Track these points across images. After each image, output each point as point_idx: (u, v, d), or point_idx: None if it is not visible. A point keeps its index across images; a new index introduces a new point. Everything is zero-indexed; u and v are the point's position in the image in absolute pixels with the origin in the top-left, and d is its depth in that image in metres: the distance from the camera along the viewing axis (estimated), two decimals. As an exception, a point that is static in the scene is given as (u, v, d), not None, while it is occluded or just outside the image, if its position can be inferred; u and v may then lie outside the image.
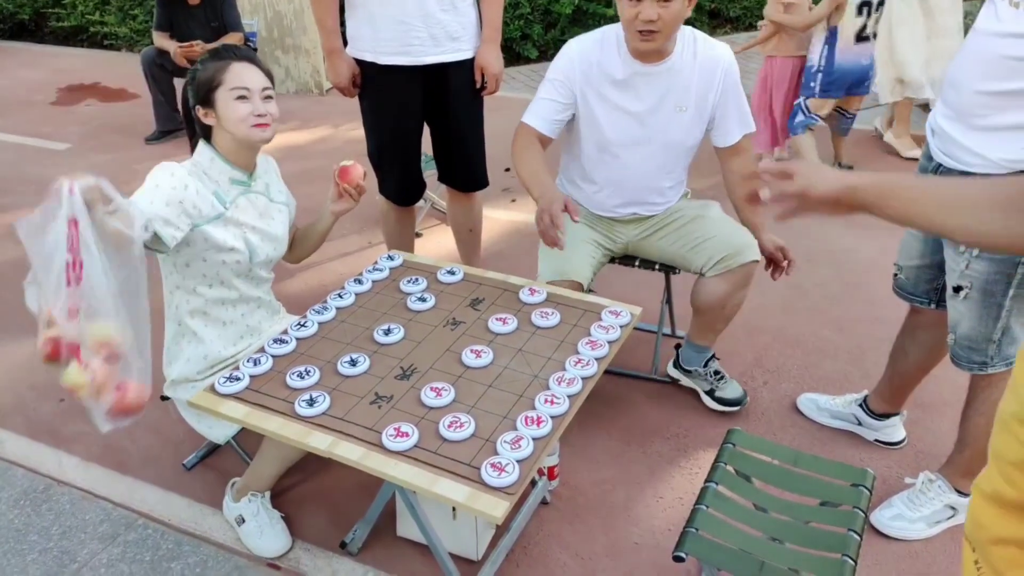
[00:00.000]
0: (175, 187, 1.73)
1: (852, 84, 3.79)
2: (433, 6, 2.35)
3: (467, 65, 2.49)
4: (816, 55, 3.74)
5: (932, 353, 2.06)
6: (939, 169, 1.68)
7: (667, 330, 2.67)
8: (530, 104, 2.20)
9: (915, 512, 1.93)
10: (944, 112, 1.66)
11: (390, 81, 2.46)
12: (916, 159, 4.13)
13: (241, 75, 1.80)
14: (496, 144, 2.86)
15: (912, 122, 4.39)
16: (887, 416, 2.22)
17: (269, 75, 1.87)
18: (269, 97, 1.85)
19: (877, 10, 3.70)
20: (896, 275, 2.00)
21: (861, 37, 3.70)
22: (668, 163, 2.22)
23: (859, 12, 3.64)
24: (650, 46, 2.00)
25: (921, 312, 2.00)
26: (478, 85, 2.53)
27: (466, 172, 2.70)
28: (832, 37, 3.67)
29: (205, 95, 1.81)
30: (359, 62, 2.48)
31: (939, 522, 1.94)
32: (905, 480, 2.04)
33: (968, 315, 1.71)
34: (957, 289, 1.70)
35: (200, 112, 1.84)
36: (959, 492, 1.92)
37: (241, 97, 1.79)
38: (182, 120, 1.89)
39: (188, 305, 1.91)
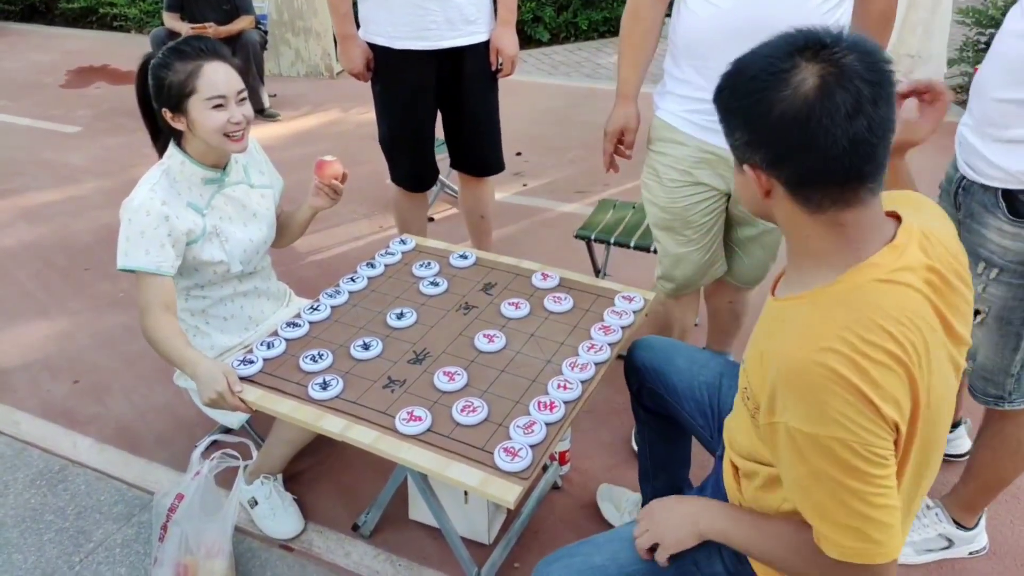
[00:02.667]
0: (157, 226, 1.72)
1: None
2: None
3: (482, 48, 2.46)
4: None
5: None
6: (962, 181, 1.57)
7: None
8: None
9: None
10: (967, 121, 1.55)
11: (404, 66, 2.43)
12: None
13: (215, 82, 1.71)
14: (508, 127, 2.84)
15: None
16: (954, 426, 2.07)
17: (239, 70, 1.79)
18: (244, 99, 1.77)
19: None
20: None
21: None
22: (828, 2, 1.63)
23: None
24: None
25: None
26: (494, 67, 2.51)
27: (480, 157, 2.68)
28: None
29: (176, 102, 1.73)
30: (372, 46, 2.45)
31: (930, 551, 1.83)
32: None
33: (985, 343, 1.59)
34: (975, 313, 1.56)
35: (167, 115, 1.75)
36: (958, 524, 1.82)
37: (217, 106, 1.72)
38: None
39: (185, 304, 1.92)
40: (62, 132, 4.83)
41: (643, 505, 1.83)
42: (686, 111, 1.82)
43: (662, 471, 1.77)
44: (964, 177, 1.56)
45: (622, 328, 1.74)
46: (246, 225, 1.92)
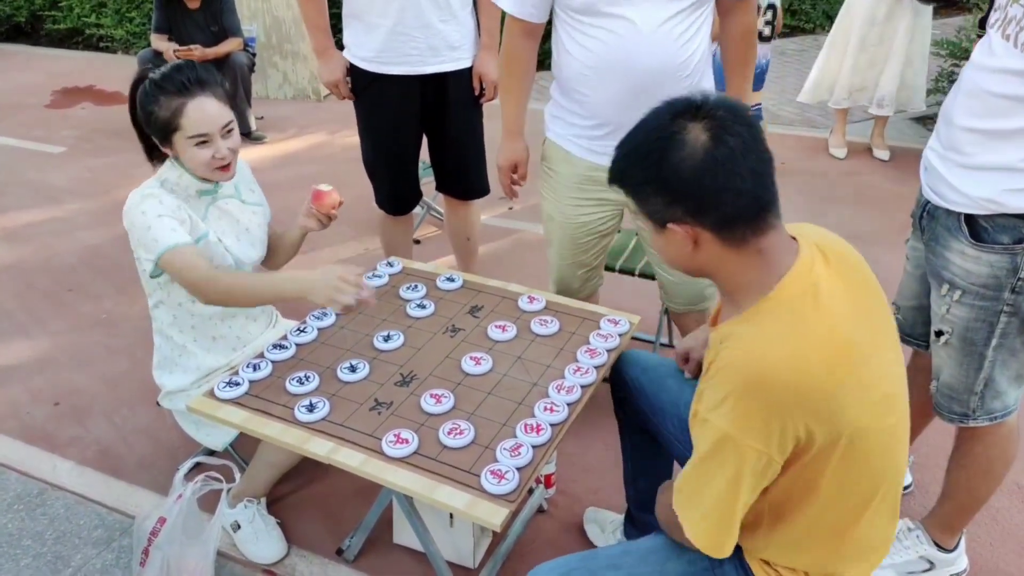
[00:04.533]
0: (174, 210, 1.75)
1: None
2: (432, 17, 2.35)
3: (466, 74, 2.49)
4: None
5: (929, 401, 2.00)
6: (927, 206, 1.61)
7: (665, 340, 2.68)
8: None
9: (886, 559, 1.84)
10: (934, 147, 1.59)
11: (387, 90, 2.44)
12: (842, 159, 4.44)
13: (199, 119, 1.71)
14: (493, 151, 2.86)
15: (885, 132, 4.50)
16: None
17: (228, 96, 1.80)
18: (231, 131, 1.78)
19: (766, 12, 3.83)
20: (895, 315, 1.91)
21: (761, 38, 3.93)
22: (684, 35, 1.76)
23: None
24: None
25: (920, 355, 1.92)
26: (477, 92, 2.54)
27: (465, 180, 2.70)
28: None
29: (162, 135, 1.75)
30: (356, 69, 2.47)
31: (911, 573, 1.85)
32: None
33: (949, 362, 1.62)
34: (939, 334, 1.61)
35: (156, 140, 1.79)
36: (939, 547, 1.84)
37: (202, 143, 1.74)
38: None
39: (174, 320, 1.91)
40: (46, 152, 4.81)
41: (627, 512, 1.88)
42: (573, 135, 1.98)
43: (643, 476, 1.78)
44: (928, 202, 1.61)
45: (608, 351, 1.75)
46: (239, 239, 1.93)
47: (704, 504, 1.16)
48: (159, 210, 1.74)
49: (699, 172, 1.08)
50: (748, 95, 2.03)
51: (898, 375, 1.20)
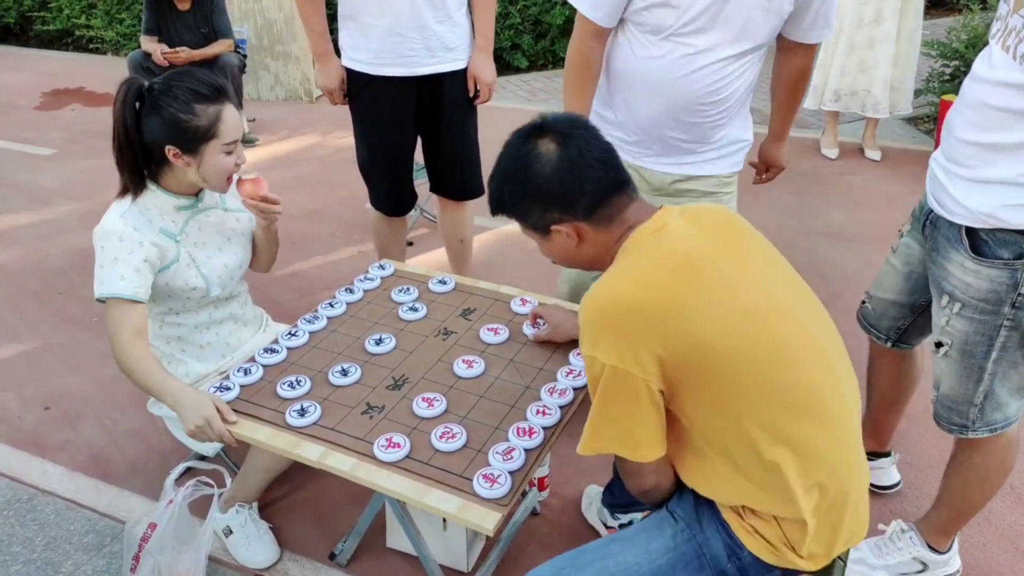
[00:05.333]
0: (132, 251, 1.69)
1: None
2: (428, 18, 2.35)
3: (462, 75, 2.49)
4: None
5: (896, 389, 1.99)
6: (930, 214, 1.61)
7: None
8: None
9: (879, 560, 1.85)
10: (938, 157, 1.59)
11: (383, 92, 2.44)
12: (833, 159, 4.44)
13: (233, 127, 1.72)
14: (487, 153, 2.86)
15: (876, 133, 4.54)
16: (875, 456, 2.08)
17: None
18: (244, 140, 1.81)
19: None
20: (864, 303, 1.93)
21: None
22: (729, 72, 1.85)
23: None
24: None
25: (875, 346, 1.94)
26: (471, 94, 2.54)
27: (460, 181, 2.69)
28: None
29: (194, 144, 1.69)
30: (352, 72, 2.47)
31: (904, 574, 1.85)
32: (879, 527, 1.91)
33: (949, 374, 1.60)
34: (939, 345, 1.60)
35: (171, 152, 1.69)
36: (932, 548, 1.83)
37: (229, 152, 1.73)
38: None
39: (160, 331, 1.90)
40: (36, 154, 4.78)
41: (608, 486, 1.90)
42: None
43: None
44: (931, 211, 1.60)
45: (600, 353, 1.75)
46: (221, 250, 1.90)
47: (614, 429, 1.26)
48: (116, 250, 1.68)
49: (560, 174, 1.27)
50: (787, 136, 2.14)
51: (786, 305, 1.24)
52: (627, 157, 1.96)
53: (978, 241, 1.47)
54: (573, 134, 1.29)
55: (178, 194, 1.80)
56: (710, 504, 1.30)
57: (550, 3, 6.59)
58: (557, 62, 6.84)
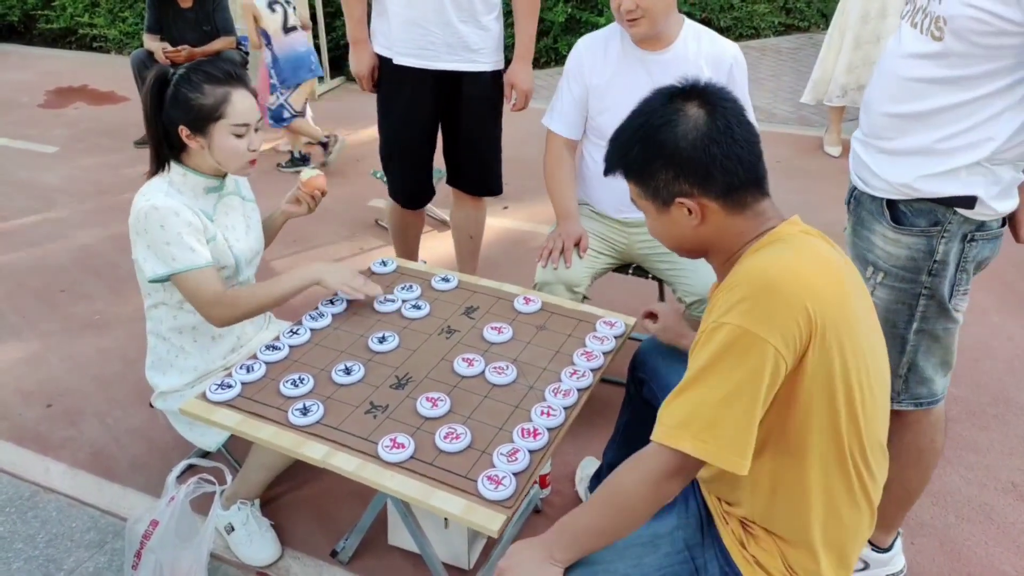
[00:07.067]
0: (190, 222, 1.76)
1: (300, 69, 4.27)
2: (452, 16, 2.37)
3: (485, 77, 2.51)
4: (266, 57, 4.22)
5: None
6: (854, 192, 1.67)
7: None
8: (551, 104, 2.30)
9: None
10: (858, 135, 1.66)
11: (403, 80, 2.48)
12: (836, 157, 4.45)
13: (242, 109, 1.76)
14: (510, 150, 2.85)
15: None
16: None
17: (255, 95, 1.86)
18: (259, 128, 1.83)
19: (289, 2, 4.18)
20: None
21: (288, 28, 4.18)
22: None
23: (271, 10, 4.12)
24: (636, 31, 2.06)
25: None
26: (509, 100, 2.58)
27: (476, 175, 2.71)
28: (267, 38, 4.16)
29: (201, 124, 1.75)
30: (380, 58, 2.52)
31: None
32: None
33: None
34: None
35: (184, 133, 1.76)
36: (873, 546, 1.81)
37: (239, 134, 1.77)
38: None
39: (175, 321, 1.90)
40: (39, 152, 4.78)
41: (597, 473, 1.93)
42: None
43: (624, 448, 1.76)
44: (855, 188, 1.66)
45: (604, 354, 1.75)
46: (246, 233, 1.95)
47: (715, 412, 1.08)
48: (178, 226, 1.74)
49: (703, 142, 1.15)
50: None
51: (880, 352, 1.23)
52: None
53: (898, 212, 1.54)
54: (724, 105, 1.18)
55: (206, 175, 1.84)
56: (713, 529, 1.29)
57: (552, 0, 6.59)
58: (560, 60, 6.82)
